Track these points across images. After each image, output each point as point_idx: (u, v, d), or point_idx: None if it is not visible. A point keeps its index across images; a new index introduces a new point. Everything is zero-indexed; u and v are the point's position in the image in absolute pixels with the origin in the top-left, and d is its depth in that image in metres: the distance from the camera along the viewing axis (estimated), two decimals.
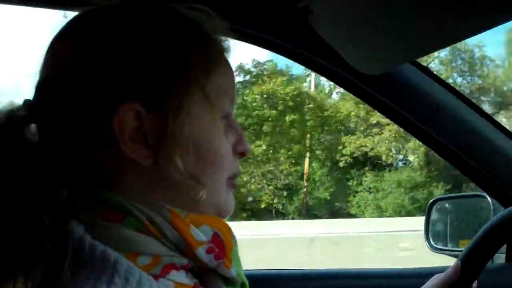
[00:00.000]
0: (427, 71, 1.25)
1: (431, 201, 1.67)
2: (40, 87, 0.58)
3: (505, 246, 1.41)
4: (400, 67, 1.21)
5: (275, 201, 20.03)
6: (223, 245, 0.57)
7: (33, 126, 0.56)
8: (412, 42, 0.99)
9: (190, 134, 0.56)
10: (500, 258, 1.43)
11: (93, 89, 0.55)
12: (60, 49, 0.59)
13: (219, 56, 0.61)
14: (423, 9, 0.84)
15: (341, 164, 20.41)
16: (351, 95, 1.33)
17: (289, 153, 20.25)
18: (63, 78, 0.56)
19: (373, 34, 0.99)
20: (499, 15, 0.79)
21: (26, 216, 0.51)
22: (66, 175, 0.54)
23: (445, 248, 1.61)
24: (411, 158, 20.90)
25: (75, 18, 0.60)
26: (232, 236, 0.60)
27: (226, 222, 0.61)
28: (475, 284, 0.98)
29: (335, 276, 1.44)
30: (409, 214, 17.51)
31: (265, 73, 20.67)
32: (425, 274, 1.20)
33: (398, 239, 10.51)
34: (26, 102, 0.57)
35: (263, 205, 19.75)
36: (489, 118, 1.29)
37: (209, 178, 0.58)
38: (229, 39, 0.63)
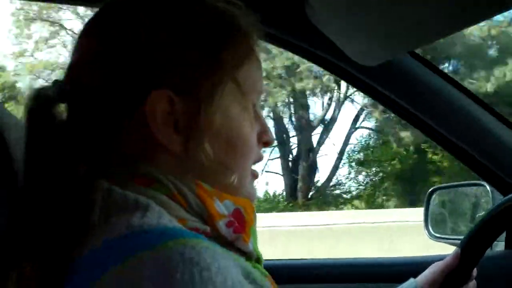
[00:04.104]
0: (424, 61, 1.26)
1: (430, 189, 1.67)
2: (71, 70, 0.60)
3: (504, 234, 1.42)
4: (398, 58, 1.22)
5: None
6: (244, 220, 0.59)
7: (62, 106, 0.57)
8: (410, 33, 0.98)
9: (221, 123, 0.58)
10: (499, 245, 1.44)
11: (125, 76, 0.56)
12: (93, 36, 0.60)
13: (250, 48, 0.62)
14: None
15: None
16: None
17: None
18: (94, 64, 0.58)
19: (370, 25, 0.99)
20: (501, 3, 0.79)
21: (48, 189, 0.52)
22: (91, 153, 0.56)
23: (444, 236, 1.61)
24: None
25: (108, 4, 0.61)
26: (254, 214, 0.61)
27: (250, 202, 0.62)
28: (474, 272, 0.99)
29: (332, 266, 1.45)
30: None
31: None
32: (423, 262, 1.22)
33: None
34: (56, 82, 0.58)
35: None
36: (487, 107, 1.29)
37: (238, 164, 0.60)
38: (260, 32, 0.64)
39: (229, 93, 0.59)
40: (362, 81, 1.26)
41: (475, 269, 0.99)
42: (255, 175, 0.65)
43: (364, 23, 0.99)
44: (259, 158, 0.65)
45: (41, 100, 0.56)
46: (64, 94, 0.57)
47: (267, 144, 0.66)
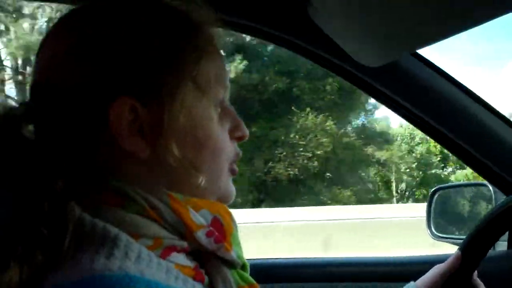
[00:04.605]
0: (427, 62, 1.26)
1: (432, 189, 1.67)
2: (34, 87, 0.59)
3: (507, 234, 1.41)
4: (401, 59, 1.22)
5: None
6: (223, 229, 0.58)
7: (30, 126, 0.56)
8: (412, 34, 0.98)
9: (185, 124, 0.57)
10: (502, 245, 1.43)
11: (86, 87, 0.55)
12: (51, 48, 0.59)
13: (208, 44, 0.61)
14: None
15: None
16: None
17: None
18: (55, 78, 0.57)
19: (373, 26, 0.99)
20: (502, 4, 0.79)
21: (23, 206, 0.51)
22: (64, 169, 0.55)
23: (447, 236, 1.61)
24: None
25: (65, 15, 0.61)
26: (232, 220, 0.60)
27: (226, 207, 0.61)
28: (475, 274, 0.98)
29: (332, 264, 1.46)
30: None
31: None
32: (426, 262, 1.22)
33: None
34: (23, 103, 0.58)
35: None
36: (489, 107, 1.29)
37: (208, 164, 0.59)
38: (216, 26, 0.62)
39: (191, 92, 0.58)
40: (364, 81, 1.26)
41: (476, 272, 0.98)
42: (233, 171, 0.64)
43: (366, 24, 0.99)
44: (236, 155, 0.64)
45: (7, 122, 0.55)
46: (31, 115, 0.56)
47: (240, 139, 0.65)
